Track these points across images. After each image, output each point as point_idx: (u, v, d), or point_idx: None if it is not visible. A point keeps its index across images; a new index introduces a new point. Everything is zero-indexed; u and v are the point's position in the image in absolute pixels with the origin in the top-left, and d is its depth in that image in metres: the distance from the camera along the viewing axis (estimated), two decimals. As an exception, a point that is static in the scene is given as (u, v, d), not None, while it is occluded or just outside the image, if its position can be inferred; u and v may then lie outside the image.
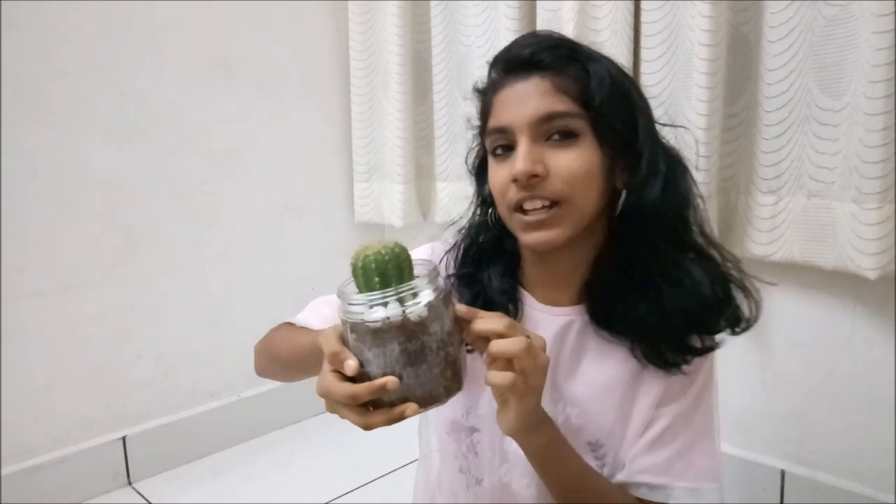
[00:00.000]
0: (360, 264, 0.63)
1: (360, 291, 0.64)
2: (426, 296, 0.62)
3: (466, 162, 0.86)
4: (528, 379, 0.64)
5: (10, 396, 1.47)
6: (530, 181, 0.71)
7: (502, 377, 0.64)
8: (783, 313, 1.36)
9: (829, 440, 1.34)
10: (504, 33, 1.51)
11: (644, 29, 1.35)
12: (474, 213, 0.86)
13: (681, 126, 0.86)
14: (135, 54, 1.57)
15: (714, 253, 0.79)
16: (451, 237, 0.88)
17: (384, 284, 0.62)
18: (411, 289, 0.62)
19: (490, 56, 0.80)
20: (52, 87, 1.46)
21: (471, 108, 0.84)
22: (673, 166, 0.76)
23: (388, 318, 0.60)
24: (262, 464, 1.71)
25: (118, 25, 1.53)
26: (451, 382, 0.64)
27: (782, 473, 1.39)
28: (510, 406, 0.68)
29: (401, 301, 0.61)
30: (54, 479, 1.52)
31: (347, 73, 1.87)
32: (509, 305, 0.80)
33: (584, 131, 0.72)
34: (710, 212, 1.30)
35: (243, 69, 1.74)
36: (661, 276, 0.75)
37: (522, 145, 0.72)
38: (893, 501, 1.26)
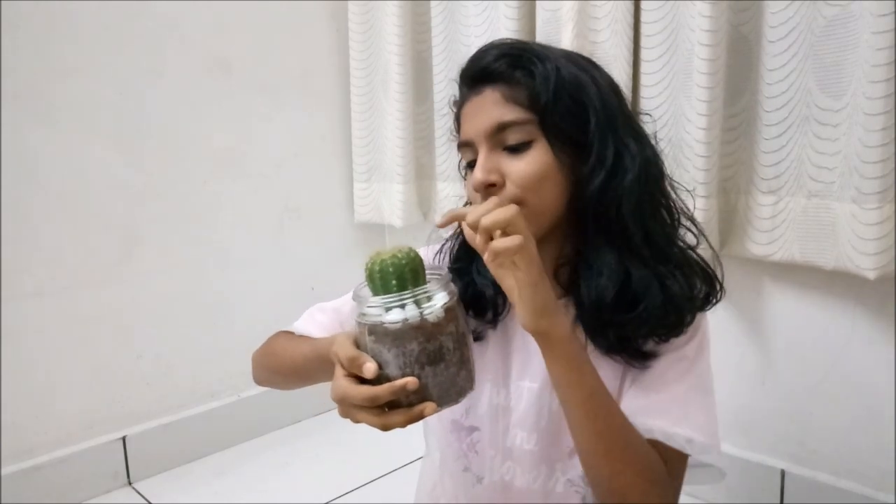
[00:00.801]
0: (377, 268, 0.65)
1: (377, 295, 0.66)
2: (441, 298, 0.65)
3: (459, 167, 0.89)
4: (526, 244, 0.65)
5: (10, 396, 1.47)
6: (488, 190, 0.75)
7: (510, 240, 0.64)
8: (783, 313, 1.36)
9: (829, 440, 1.34)
10: (504, 33, 1.51)
11: (644, 29, 1.35)
12: None
13: (645, 114, 0.88)
14: (135, 54, 1.57)
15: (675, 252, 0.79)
16: (445, 234, 0.90)
17: (401, 287, 0.64)
18: (427, 292, 0.64)
19: None
20: (52, 87, 1.46)
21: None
22: (622, 155, 0.76)
23: (407, 319, 0.63)
24: (262, 464, 1.71)
25: (118, 25, 1.53)
26: (465, 382, 0.67)
27: (782, 473, 1.39)
28: (524, 289, 0.67)
29: (417, 303, 0.64)
30: (54, 479, 1.52)
31: (347, 73, 1.87)
32: (498, 299, 0.82)
33: (537, 135, 0.75)
34: (710, 212, 1.30)
35: (243, 69, 1.74)
36: (588, 267, 0.77)
37: (480, 157, 0.76)
38: (893, 501, 1.26)
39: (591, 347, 0.79)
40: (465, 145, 0.80)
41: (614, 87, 0.81)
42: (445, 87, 1.73)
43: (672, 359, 0.78)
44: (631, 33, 1.35)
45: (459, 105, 0.82)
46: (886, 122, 1.08)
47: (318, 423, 1.88)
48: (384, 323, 0.63)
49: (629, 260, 0.76)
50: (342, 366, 0.65)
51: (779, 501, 1.40)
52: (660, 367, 0.78)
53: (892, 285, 1.20)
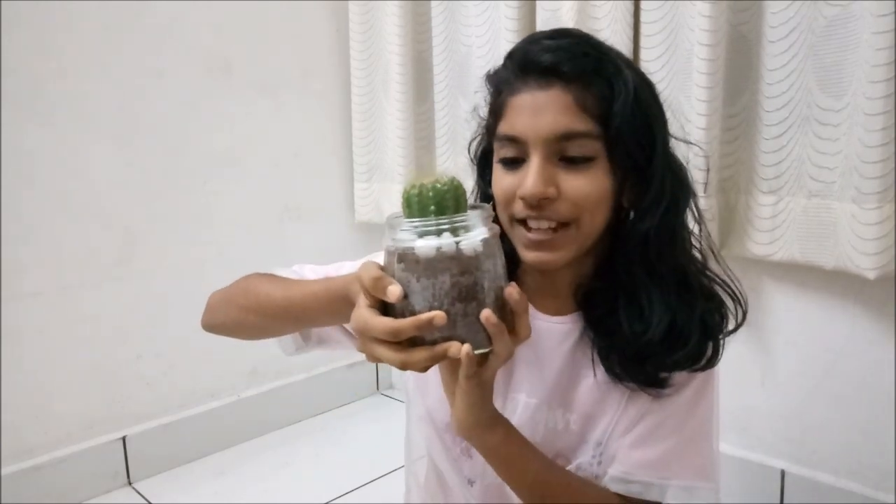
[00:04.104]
0: (415, 191, 0.59)
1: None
2: (481, 232, 0.59)
3: (469, 150, 0.83)
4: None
5: (10, 396, 1.46)
6: (540, 202, 0.69)
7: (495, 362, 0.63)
8: (783, 313, 1.36)
9: (829, 440, 1.34)
10: (504, 33, 1.51)
11: (644, 29, 1.35)
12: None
13: (694, 143, 0.81)
14: (135, 54, 1.57)
15: (703, 280, 0.76)
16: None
17: (439, 214, 0.59)
18: (466, 222, 0.58)
19: (490, 56, 0.77)
20: (52, 87, 1.46)
21: (471, 104, 0.81)
22: (677, 191, 0.73)
23: (441, 247, 0.57)
24: (262, 464, 1.71)
25: (118, 25, 1.53)
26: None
27: (782, 473, 1.39)
28: (461, 401, 0.67)
29: (454, 233, 0.58)
30: (54, 479, 1.52)
31: (347, 73, 1.87)
32: None
33: (600, 153, 0.69)
34: (710, 212, 1.30)
35: (243, 69, 1.74)
36: (629, 299, 0.73)
37: (535, 163, 0.69)
38: (893, 501, 1.26)
39: (600, 374, 0.77)
40: (510, 140, 0.71)
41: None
42: (446, 87, 1.73)
43: (674, 404, 0.77)
44: (631, 33, 1.35)
45: (509, 91, 0.72)
46: (886, 122, 1.08)
47: (318, 423, 1.88)
48: (415, 249, 0.57)
49: (675, 297, 0.73)
50: (365, 290, 0.59)
51: (779, 501, 1.40)
52: (661, 413, 0.77)
53: (892, 285, 1.20)
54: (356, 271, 0.62)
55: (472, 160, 0.83)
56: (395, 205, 1.83)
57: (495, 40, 1.57)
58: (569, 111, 0.68)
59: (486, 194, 0.80)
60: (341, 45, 1.88)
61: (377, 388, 2.05)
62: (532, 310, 0.80)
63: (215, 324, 0.87)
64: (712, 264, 0.80)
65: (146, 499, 1.57)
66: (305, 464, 1.71)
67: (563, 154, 0.69)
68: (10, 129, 1.42)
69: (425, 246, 0.57)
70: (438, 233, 0.57)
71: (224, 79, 1.71)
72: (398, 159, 1.80)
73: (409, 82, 1.77)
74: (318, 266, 0.86)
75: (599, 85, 0.68)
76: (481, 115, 0.79)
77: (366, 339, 0.59)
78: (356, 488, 1.59)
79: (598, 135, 0.68)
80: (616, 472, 0.77)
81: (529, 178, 0.68)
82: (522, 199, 0.69)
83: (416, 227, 0.58)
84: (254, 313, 0.80)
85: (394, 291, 0.57)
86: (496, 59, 0.98)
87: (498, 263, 0.60)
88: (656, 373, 0.75)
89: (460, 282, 0.57)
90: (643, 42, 1.35)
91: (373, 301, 0.59)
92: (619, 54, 0.72)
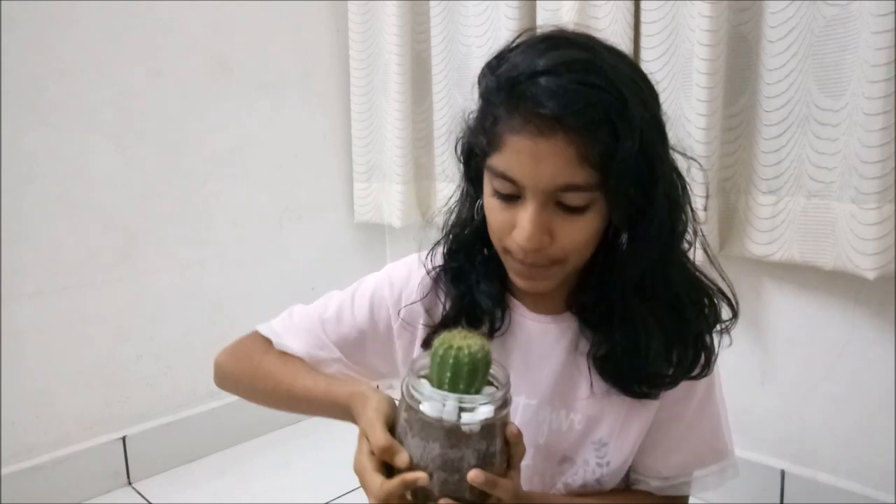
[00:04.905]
0: (440, 352, 0.64)
1: (430, 376, 0.65)
2: (485, 412, 0.62)
3: (456, 150, 0.80)
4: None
5: (10, 396, 1.47)
6: (536, 249, 0.69)
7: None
8: (783, 313, 1.36)
9: (829, 440, 1.34)
10: (504, 33, 1.51)
11: (644, 29, 1.35)
12: (460, 205, 0.82)
13: (692, 159, 0.78)
14: (135, 54, 1.57)
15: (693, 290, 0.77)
16: (439, 235, 0.84)
17: (453, 384, 0.63)
18: (473, 401, 0.63)
19: (490, 57, 0.75)
20: (52, 87, 1.46)
21: (470, 104, 0.79)
22: (675, 220, 0.72)
23: (441, 418, 0.62)
24: (262, 464, 1.71)
25: (118, 25, 1.53)
26: (477, 500, 0.64)
27: (782, 473, 1.39)
28: None
29: (461, 408, 0.62)
30: (54, 479, 1.52)
31: (347, 73, 1.87)
32: (496, 311, 0.79)
33: (597, 198, 0.67)
34: (710, 212, 1.30)
35: (243, 69, 1.74)
36: (624, 324, 0.74)
37: (531, 212, 0.67)
38: (893, 501, 1.26)
39: (596, 383, 0.78)
40: (506, 178, 0.68)
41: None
42: (445, 87, 1.73)
43: (691, 405, 0.81)
44: (631, 33, 1.35)
45: (507, 127, 0.67)
46: (886, 122, 1.08)
47: (318, 423, 1.87)
48: (420, 410, 0.62)
49: (672, 323, 0.74)
50: (371, 448, 0.65)
51: (779, 501, 1.40)
52: (683, 418, 0.81)
53: (891, 285, 1.20)
54: (363, 424, 0.68)
55: (458, 160, 0.80)
56: (393, 205, 1.83)
57: (495, 40, 1.57)
58: (570, 164, 0.65)
59: (473, 199, 0.79)
60: (341, 45, 1.88)
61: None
62: (525, 311, 0.81)
63: (228, 390, 0.92)
64: (705, 267, 0.81)
65: (146, 499, 1.57)
66: (305, 464, 1.71)
67: (558, 200, 0.67)
68: (10, 128, 1.42)
69: (428, 411, 0.62)
70: (444, 404, 0.62)
71: (224, 79, 1.71)
72: (397, 159, 1.80)
73: (409, 82, 1.77)
74: (310, 310, 0.90)
75: (603, 133, 0.64)
76: (470, 124, 0.76)
77: (361, 479, 0.66)
78: (356, 488, 1.57)
79: (598, 184, 0.66)
80: (658, 484, 0.84)
81: (525, 228, 0.67)
82: (519, 243, 0.69)
83: (427, 390, 0.63)
84: (260, 396, 0.88)
85: (403, 460, 0.63)
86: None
87: (493, 445, 0.63)
88: (652, 390, 0.77)
89: (448, 454, 0.62)
90: (643, 42, 1.35)
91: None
92: (623, 80, 0.66)
